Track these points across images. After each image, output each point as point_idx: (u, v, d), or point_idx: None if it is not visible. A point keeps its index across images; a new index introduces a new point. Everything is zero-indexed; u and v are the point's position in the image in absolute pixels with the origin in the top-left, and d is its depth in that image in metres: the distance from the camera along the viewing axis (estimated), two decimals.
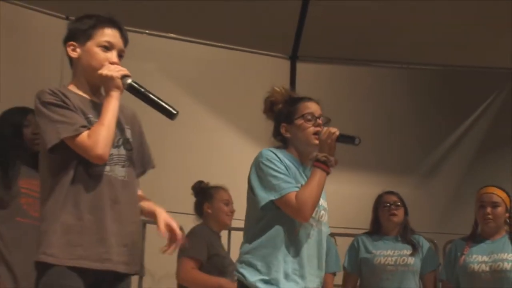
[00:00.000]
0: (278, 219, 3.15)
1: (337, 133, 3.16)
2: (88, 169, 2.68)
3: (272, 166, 3.15)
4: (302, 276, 3.16)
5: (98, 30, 2.81)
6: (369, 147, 6.84)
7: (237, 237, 5.27)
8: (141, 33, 6.50)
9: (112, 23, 2.84)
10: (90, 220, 2.65)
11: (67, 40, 2.84)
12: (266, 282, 3.11)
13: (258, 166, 3.20)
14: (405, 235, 4.85)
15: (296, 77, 7.04)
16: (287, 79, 6.97)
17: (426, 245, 4.92)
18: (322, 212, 3.26)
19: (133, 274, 2.82)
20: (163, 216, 2.80)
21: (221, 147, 6.72)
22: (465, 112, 7.18)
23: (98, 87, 2.84)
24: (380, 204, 4.94)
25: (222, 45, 6.90)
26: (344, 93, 6.99)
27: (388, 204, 4.89)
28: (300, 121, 3.26)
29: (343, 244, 5.19)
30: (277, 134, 3.37)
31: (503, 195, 4.66)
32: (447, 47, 6.92)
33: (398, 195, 4.98)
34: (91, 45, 2.80)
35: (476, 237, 4.68)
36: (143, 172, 2.95)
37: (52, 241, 2.62)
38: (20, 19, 6.10)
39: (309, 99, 3.36)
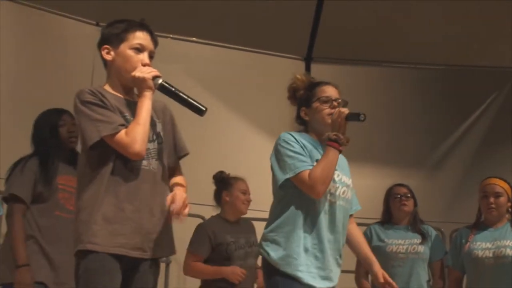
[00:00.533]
0: (297, 197, 3.18)
1: (346, 112, 3.17)
2: (126, 163, 2.75)
3: (288, 147, 3.19)
4: (322, 251, 3.17)
5: (130, 34, 2.86)
6: (380, 142, 6.98)
7: (256, 227, 5.39)
8: (166, 37, 6.55)
9: (143, 26, 2.91)
10: (130, 210, 2.72)
11: (101, 44, 2.90)
12: (287, 262, 3.14)
13: (276, 149, 3.24)
14: (415, 224, 4.88)
15: None
16: None
17: (434, 234, 4.94)
18: (344, 188, 3.27)
19: (165, 256, 2.91)
20: (175, 192, 2.83)
21: (239, 142, 6.80)
22: (469, 109, 7.22)
23: (131, 87, 2.89)
24: (391, 196, 4.98)
25: (241, 47, 6.98)
26: (356, 92, 6.86)
27: (399, 196, 4.93)
28: (316, 104, 3.30)
29: None
30: (298, 118, 3.41)
31: (505, 185, 4.67)
32: (452, 48, 6.97)
33: (408, 187, 5.01)
34: (124, 47, 2.86)
35: (479, 225, 4.69)
36: (179, 158, 3.02)
37: (95, 230, 2.68)
38: (52, 26, 6.21)
39: (326, 83, 3.38)
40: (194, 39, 6.86)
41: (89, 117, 2.71)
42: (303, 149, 3.21)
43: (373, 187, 6.24)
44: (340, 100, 3.31)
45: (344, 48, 6.96)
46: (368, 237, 4.92)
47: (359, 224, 5.44)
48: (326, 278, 3.19)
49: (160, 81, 2.83)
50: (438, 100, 7.17)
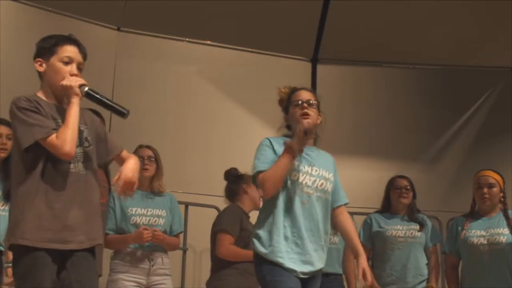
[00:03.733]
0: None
1: (303, 128, 3.27)
2: (55, 166, 2.85)
3: (260, 149, 3.38)
4: (301, 238, 3.26)
5: (59, 47, 2.95)
6: (382, 137, 6.99)
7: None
8: (182, 41, 6.61)
9: (71, 41, 3.00)
10: (58, 208, 2.82)
11: (35, 57, 3.00)
12: (270, 251, 3.24)
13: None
14: (412, 215, 4.88)
15: (317, 78, 7.10)
16: (309, 80, 7.03)
17: (429, 222, 4.96)
18: (322, 181, 3.35)
19: (94, 245, 2.96)
20: (124, 167, 2.97)
21: (249, 138, 6.50)
22: (464, 106, 7.24)
23: (62, 95, 2.98)
24: (392, 186, 4.97)
25: (251, 50, 7.00)
26: (360, 91, 7.08)
27: (399, 188, 4.93)
28: (291, 108, 3.42)
29: (358, 220, 5.05)
30: (285, 125, 3.53)
31: (498, 177, 4.70)
32: (449, 49, 7.01)
33: (408, 179, 5.00)
34: (54, 60, 2.94)
35: (474, 215, 4.72)
36: (111, 159, 3.11)
37: (27, 227, 2.78)
38: (74, 30, 6.16)
39: (300, 89, 3.48)
40: (208, 42, 6.89)
41: (25, 122, 2.83)
42: (274, 153, 3.32)
43: (376, 179, 6.26)
44: (312, 101, 3.39)
45: (348, 49, 6.98)
46: (368, 224, 4.98)
47: (359, 213, 5.54)
48: (307, 262, 3.28)
49: (86, 89, 2.91)
50: (436, 98, 7.20)
